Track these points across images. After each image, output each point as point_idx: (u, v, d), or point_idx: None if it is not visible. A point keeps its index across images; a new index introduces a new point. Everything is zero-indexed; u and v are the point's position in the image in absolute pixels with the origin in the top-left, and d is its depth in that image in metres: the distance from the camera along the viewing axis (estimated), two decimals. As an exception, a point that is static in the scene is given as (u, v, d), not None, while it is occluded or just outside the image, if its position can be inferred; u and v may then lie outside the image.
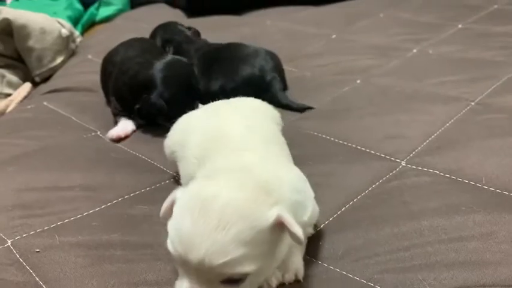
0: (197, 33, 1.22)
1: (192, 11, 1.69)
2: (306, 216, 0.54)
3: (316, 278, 0.56)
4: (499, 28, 1.36)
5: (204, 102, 0.96)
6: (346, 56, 1.26)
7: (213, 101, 0.95)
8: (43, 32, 1.32)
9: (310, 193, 0.58)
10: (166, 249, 0.48)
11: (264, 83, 1.00)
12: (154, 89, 0.89)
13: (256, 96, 0.94)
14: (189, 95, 0.93)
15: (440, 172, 0.73)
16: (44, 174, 0.77)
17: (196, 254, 0.43)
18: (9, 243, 0.62)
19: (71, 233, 0.63)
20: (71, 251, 0.60)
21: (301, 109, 0.99)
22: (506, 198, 0.65)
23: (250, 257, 0.45)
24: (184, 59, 0.98)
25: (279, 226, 0.47)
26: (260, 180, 0.50)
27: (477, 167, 0.72)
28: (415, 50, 1.26)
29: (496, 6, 1.58)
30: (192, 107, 0.86)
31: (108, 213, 0.68)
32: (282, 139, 0.67)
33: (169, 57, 0.96)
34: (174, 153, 0.68)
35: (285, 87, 1.07)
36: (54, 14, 2.25)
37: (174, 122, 0.74)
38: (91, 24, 2.36)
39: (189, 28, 1.21)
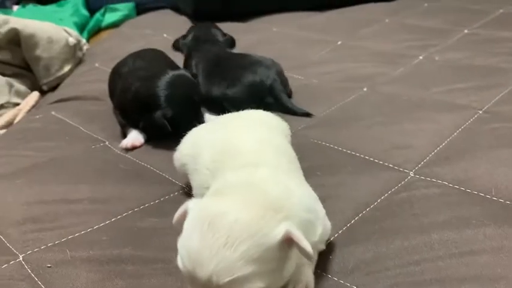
0: (232, 41, 1.26)
1: (198, 18, 1.69)
2: (316, 237, 0.54)
3: (326, 292, 0.56)
4: (505, 33, 1.36)
5: (208, 108, 0.99)
6: (352, 63, 1.26)
7: (214, 106, 0.99)
8: (50, 41, 1.33)
9: (321, 211, 0.58)
10: (177, 264, 0.48)
11: (265, 88, 1.02)
12: (157, 107, 0.88)
13: (259, 102, 0.98)
14: (192, 111, 0.92)
15: (449, 183, 0.73)
16: (53, 187, 0.77)
17: (204, 271, 0.44)
18: (21, 258, 0.62)
19: (81, 248, 0.63)
20: (82, 266, 0.60)
21: (303, 114, 1.00)
22: (516, 211, 0.65)
23: (258, 274, 0.45)
24: (187, 74, 0.96)
25: (288, 242, 0.47)
26: (270, 197, 0.50)
27: (486, 178, 0.72)
28: (421, 57, 1.26)
29: (501, 10, 1.58)
30: (196, 123, 0.86)
31: (118, 226, 0.68)
32: (293, 153, 0.67)
33: (172, 72, 0.93)
34: (185, 166, 0.68)
35: (288, 95, 1.07)
36: (60, 20, 2.27)
37: (181, 135, 0.74)
38: (97, 31, 2.38)
39: (225, 34, 1.25)
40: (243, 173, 0.54)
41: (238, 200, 0.48)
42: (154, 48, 1.16)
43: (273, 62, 1.10)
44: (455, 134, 0.86)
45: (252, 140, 0.62)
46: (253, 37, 1.53)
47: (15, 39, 1.32)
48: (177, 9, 1.92)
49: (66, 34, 1.39)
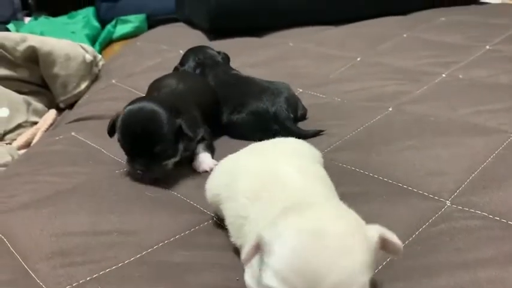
0: (226, 58, 1.21)
1: (214, 33, 1.68)
2: None
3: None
4: (528, 50, 1.34)
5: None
6: (374, 81, 1.24)
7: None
8: (68, 58, 1.32)
9: None
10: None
11: (270, 116, 1.00)
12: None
13: (264, 129, 0.97)
14: (142, 145, 0.84)
15: (489, 214, 0.70)
16: (80, 217, 0.75)
17: (326, 286, 0.42)
18: (53, 297, 0.60)
19: (114, 285, 0.61)
20: (116, 306, 0.58)
21: (313, 135, 0.98)
22: None
23: (369, 279, 0.45)
24: (152, 105, 0.86)
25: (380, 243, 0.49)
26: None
27: (528, 209, 0.70)
28: (444, 75, 1.24)
29: (521, 25, 1.56)
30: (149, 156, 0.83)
31: (150, 260, 0.66)
32: (331, 183, 0.65)
33: (138, 103, 0.87)
34: (218, 196, 0.67)
35: (296, 118, 1.05)
36: (72, 33, 2.27)
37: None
38: (108, 42, 2.38)
39: (219, 52, 1.21)
40: (303, 206, 0.52)
41: (330, 213, 0.49)
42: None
43: (283, 86, 1.07)
44: (489, 159, 0.84)
45: (295, 170, 0.61)
46: (270, 53, 1.51)
47: (32, 56, 1.31)
48: (190, 23, 1.91)
49: (83, 51, 1.38)
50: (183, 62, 1.18)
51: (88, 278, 0.63)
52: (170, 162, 0.87)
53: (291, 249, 0.44)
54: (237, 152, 0.73)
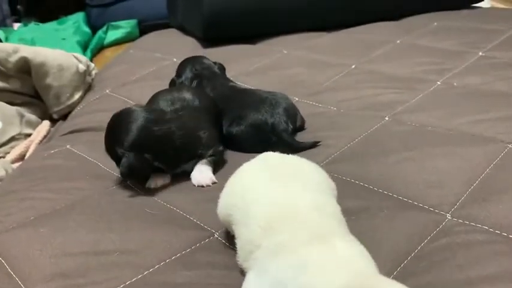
0: (222, 68, 1.21)
1: (208, 41, 1.67)
2: None
3: None
4: (521, 56, 1.35)
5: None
6: (369, 89, 1.24)
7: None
8: (61, 69, 1.31)
9: None
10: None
11: (268, 127, 0.99)
12: None
13: (263, 141, 0.97)
14: (117, 144, 0.88)
15: (490, 228, 0.71)
16: (79, 236, 0.74)
17: None
18: (54, 322, 0.59)
19: (117, 308, 0.61)
20: (120, 331, 0.57)
21: (309, 147, 0.98)
22: None
23: None
24: (131, 109, 0.91)
25: None
26: None
27: (528, 223, 0.70)
28: (439, 82, 1.25)
29: (513, 30, 1.58)
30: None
31: (152, 282, 0.66)
32: (342, 216, 0.63)
33: (127, 108, 0.92)
34: (231, 217, 0.66)
35: (296, 129, 1.05)
36: (63, 39, 2.25)
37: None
38: (100, 48, 2.36)
39: (215, 63, 1.20)
40: (325, 245, 0.52)
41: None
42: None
43: (281, 97, 1.07)
44: (487, 171, 0.84)
45: (313, 206, 0.60)
46: (264, 61, 1.50)
47: (25, 67, 1.29)
48: (182, 29, 1.90)
49: (76, 61, 1.36)
50: (179, 73, 1.17)
51: (90, 301, 0.62)
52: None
53: None
54: (247, 166, 0.71)
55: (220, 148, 0.97)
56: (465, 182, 0.82)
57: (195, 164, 0.92)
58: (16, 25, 2.56)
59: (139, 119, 0.88)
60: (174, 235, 0.75)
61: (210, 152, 0.93)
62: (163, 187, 0.90)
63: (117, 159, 0.89)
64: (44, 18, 2.64)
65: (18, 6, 2.76)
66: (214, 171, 0.93)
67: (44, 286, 0.65)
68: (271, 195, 0.62)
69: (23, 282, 0.67)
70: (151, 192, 0.88)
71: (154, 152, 0.87)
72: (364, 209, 0.78)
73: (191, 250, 0.72)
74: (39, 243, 0.73)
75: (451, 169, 0.86)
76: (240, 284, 0.63)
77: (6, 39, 2.23)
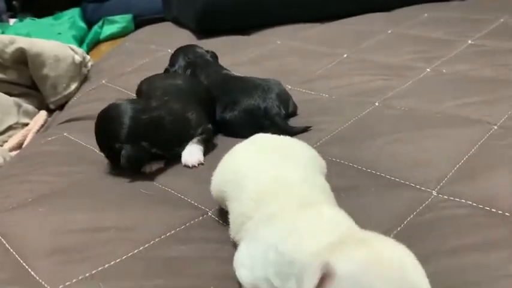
0: (215, 56, 1.23)
1: (202, 32, 1.69)
2: None
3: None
4: (509, 44, 1.38)
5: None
6: (361, 76, 1.27)
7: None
8: (57, 59, 1.33)
9: None
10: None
11: (261, 112, 1.02)
12: None
13: (256, 125, 0.99)
14: (112, 139, 0.90)
15: (473, 203, 0.73)
16: (77, 215, 0.77)
17: None
18: (54, 293, 0.62)
19: (114, 280, 0.63)
20: (117, 299, 0.60)
21: (301, 131, 1.01)
22: (544, 231, 0.66)
23: None
24: (116, 104, 0.93)
25: None
26: None
27: (510, 197, 0.73)
28: (428, 69, 1.27)
29: (502, 20, 1.60)
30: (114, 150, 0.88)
31: (148, 256, 0.68)
32: (330, 190, 0.67)
33: (112, 104, 0.94)
34: (224, 193, 0.68)
35: (288, 114, 1.08)
36: (58, 34, 2.26)
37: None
38: (96, 43, 2.37)
39: (207, 51, 1.22)
40: (313, 211, 0.55)
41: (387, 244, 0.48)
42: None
43: (274, 83, 1.09)
44: (472, 150, 0.87)
45: (301, 178, 0.63)
46: (258, 51, 1.53)
47: (21, 58, 1.31)
48: (177, 22, 1.92)
49: (72, 52, 1.38)
50: (172, 62, 1.19)
51: (87, 274, 0.65)
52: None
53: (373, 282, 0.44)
54: (240, 146, 0.74)
55: (209, 126, 0.99)
56: (451, 161, 0.84)
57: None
58: (12, 21, 2.57)
59: (127, 111, 0.90)
60: (168, 214, 0.77)
61: (199, 130, 0.96)
62: (159, 171, 0.92)
63: (114, 154, 0.90)
64: (39, 14, 2.66)
65: (14, 2, 2.77)
66: (206, 150, 0.95)
67: (43, 261, 0.68)
68: (262, 171, 0.65)
69: (22, 258, 0.69)
70: (146, 175, 0.90)
71: (149, 139, 0.90)
72: (353, 187, 0.80)
73: (185, 227, 0.75)
74: (38, 222, 0.76)
75: (437, 149, 0.88)
76: (232, 257, 0.65)
77: (3, 34, 2.25)
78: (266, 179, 0.63)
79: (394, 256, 0.46)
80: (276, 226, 0.55)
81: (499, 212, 0.71)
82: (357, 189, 0.80)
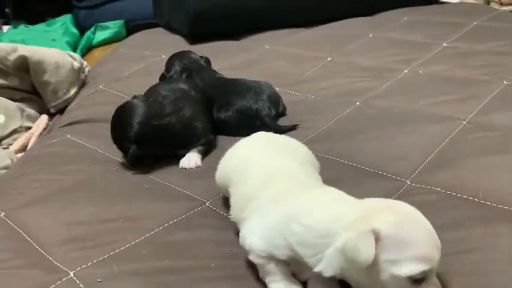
0: (208, 61, 1.31)
1: (194, 38, 1.77)
2: None
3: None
4: (480, 46, 1.48)
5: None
6: (343, 78, 1.36)
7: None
8: (57, 66, 1.40)
9: None
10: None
11: (253, 112, 1.11)
12: None
13: (248, 124, 1.08)
14: (122, 137, 0.99)
15: (442, 189, 0.83)
16: (87, 208, 0.85)
17: (439, 251, 0.57)
18: (72, 275, 0.69)
19: (125, 262, 0.71)
20: (129, 278, 0.68)
21: (289, 129, 1.09)
22: (502, 211, 0.75)
23: None
24: (133, 104, 1.01)
25: None
26: None
27: (475, 184, 0.82)
28: (406, 71, 1.37)
29: (475, 23, 1.71)
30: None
31: (153, 241, 0.76)
32: (319, 176, 0.77)
33: (129, 102, 1.02)
34: (229, 180, 0.77)
35: (278, 114, 1.17)
36: (53, 40, 2.33)
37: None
38: (89, 48, 2.44)
39: (201, 57, 1.30)
40: (322, 190, 0.68)
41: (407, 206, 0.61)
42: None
43: (265, 85, 1.18)
44: (443, 144, 0.96)
45: (299, 169, 0.73)
46: (247, 55, 1.62)
47: (23, 65, 1.39)
48: (169, 28, 1.99)
49: (71, 59, 1.46)
50: (168, 68, 1.27)
51: (101, 258, 0.72)
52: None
53: (411, 235, 0.56)
54: (243, 141, 0.83)
55: (211, 137, 1.08)
56: (424, 154, 0.94)
57: (188, 149, 1.03)
58: (5, 28, 2.62)
59: (140, 115, 0.98)
60: (170, 205, 0.85)
61: (202, 140, 1.04)
62: (158, 168, 1.00)
63: (123, 150, 1.00)
64: (31, 21, 2.71)
65: (6, 9, 2.82)
66: (203, 157, 1.04)
67: (59, 248, 0.75)
68: (266, 160, 0.74)
69: (40, 246, 0.77)
70: (148, 172, 0.98)
71: (155, 143, 0.99)
72: (336, 179, 0.88)
73: (186, 216, 0.83)
74: (52, 215, 0.83)
75: (412, 143, 0.98)
76: (229, 240, 0.74)
77: (-1, 41, 2.30)
78: (270, 166, 0.72)
79: (413, 213, 0.59)
80: (290, 202, 0.63)
81: (464, 196, 0.80)
82: (340, 180, 0.87)
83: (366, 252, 0.53)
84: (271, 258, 0.63)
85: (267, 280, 0.64)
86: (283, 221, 0.62)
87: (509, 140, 0.93)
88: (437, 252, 0.57)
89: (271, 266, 0.63)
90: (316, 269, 0.59)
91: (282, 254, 0.61)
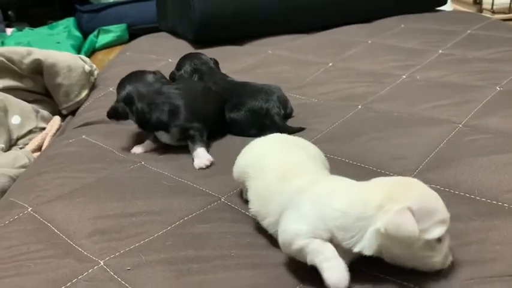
0: (217, 63, 1.37)
1: (199, 43, 1.83)
2: None
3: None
4: (474, 53, 1.56)
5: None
6: (345, 83, 1.43)
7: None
8: (70, 69, 1.46)
9: None
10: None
11: (264, 112, 1.17)
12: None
13: (259, 124, 1.15)
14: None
15: (441, 187, 0.89)
16: (110, 204, 0.90)
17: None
18: (102, 264, 0.75)
19: (151, 252, 0.77)
20: (156, 267, 0.73)
21: (297, 130, 1.16)
22: (496, 207, 0.82)
23: None
24: (143, 73, 1.20)
25: None
26: None
27: (470, 182, 0.89)
28: (404, 76, 1.44)
29: (469, 31, 1.79)
30: None
31: (176, 233, 0.82)
32: (327, 171, 0.84)
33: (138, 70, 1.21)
34: (246, 174, 0.82)
35: (286, 115, 1.23)
36: (57, 43, 2.38)
37: None
38: (92, 51, 2.50)
39: (211, 59, 1.36)
40: (342, 179, 0.76)
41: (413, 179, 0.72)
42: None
43: (275, 87, 1.25)
44: (441, 145, 1.03)
45: (314, 167, 0.80)
46: (251, 60, 1.68)
47: (37, 68, 1.44)
48: (173, 33, 2.05)
49: (82, 62, 1.51)
50: (179, 66, 1.33)
51: (127, 249, 0.78)
52: None
53: (431, 204, 0.67)
54: (258, 140, 0.89)
55: (198, 125, 1.12)
56: (423, 154, 1.01)
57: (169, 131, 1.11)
58: (9, 30, 2.67)
59: (134, 81, 1.16)
60: (188, 200, 0.91)
61: (191, 131, 1.10)
62: (175, 166, 1.06)
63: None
64: (33, 24, 2.76)
65: (9, 12, 2.87)
66: (210, 149, 1.11)
67: (87, 240, 0.81)
68: (282, 155, 0.81)
69: (68, 238, 0.82)
70: (165, 170, 1.04)
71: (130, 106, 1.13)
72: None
73: (204, 210, 0.89)
74: (77, 210, 0.89)
75: (412, 145, 1.05)
76: (245, 232, 0.81)
77: (2, 44, 2.35)
78: (286, 162, 0.79)
79: (420, 184, 0.69)
80: (317, 190, 0.70)
81: (461, 193, 0.87)
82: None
83: (410, 228, 0.62)
84: (316, 237, 0.67)
85: (317, 261, 0.67)
86: (317, 207, 0.68)
87: (502, 142, 1.00)
88: (447, 216, 0.67)
89: (318, 242, 0.66)
90: (356, 249, 0.65)
91: (324, 235, 0.67)
